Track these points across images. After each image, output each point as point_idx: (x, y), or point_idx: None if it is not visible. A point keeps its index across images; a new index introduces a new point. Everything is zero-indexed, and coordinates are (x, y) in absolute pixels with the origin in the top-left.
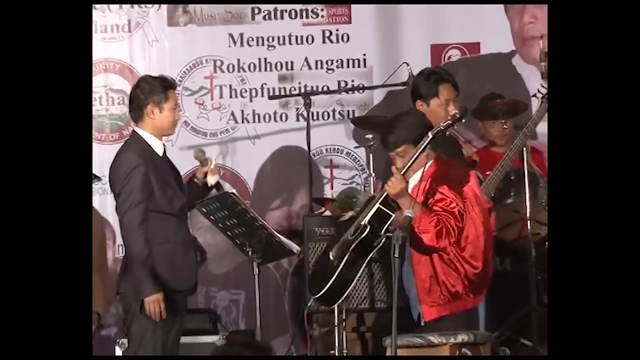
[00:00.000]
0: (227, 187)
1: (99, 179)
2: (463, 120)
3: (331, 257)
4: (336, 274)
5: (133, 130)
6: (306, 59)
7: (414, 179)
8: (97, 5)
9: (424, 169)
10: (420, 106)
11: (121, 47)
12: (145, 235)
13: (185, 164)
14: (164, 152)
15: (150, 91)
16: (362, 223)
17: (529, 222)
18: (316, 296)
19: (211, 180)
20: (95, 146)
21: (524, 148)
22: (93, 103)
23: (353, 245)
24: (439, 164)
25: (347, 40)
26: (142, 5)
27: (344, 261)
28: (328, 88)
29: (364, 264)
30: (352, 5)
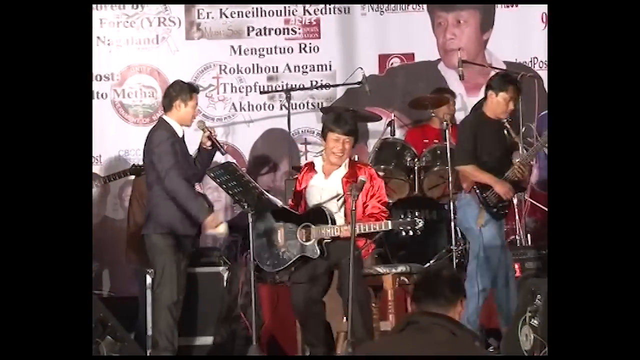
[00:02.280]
0: (229, 158)
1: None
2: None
3: (279, 241)
4: (291, 261)
5: (160, 117)
6: (287, 65)
7: (344, 167)
8: (134, 24)
9: (349, 159)
10: (490, 95)
11: (152, 55)
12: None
13: (199, 142)
14: (183, 135)
15: (180, 90)
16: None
17: (450, 184)
18: (271, 270)
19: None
20: (132, 128)
21: (446, 130)
22: (130, 96)
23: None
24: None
25: (317, 50)
26: (167, 24)
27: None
28: (303, 86)
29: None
30: (321, 25)
